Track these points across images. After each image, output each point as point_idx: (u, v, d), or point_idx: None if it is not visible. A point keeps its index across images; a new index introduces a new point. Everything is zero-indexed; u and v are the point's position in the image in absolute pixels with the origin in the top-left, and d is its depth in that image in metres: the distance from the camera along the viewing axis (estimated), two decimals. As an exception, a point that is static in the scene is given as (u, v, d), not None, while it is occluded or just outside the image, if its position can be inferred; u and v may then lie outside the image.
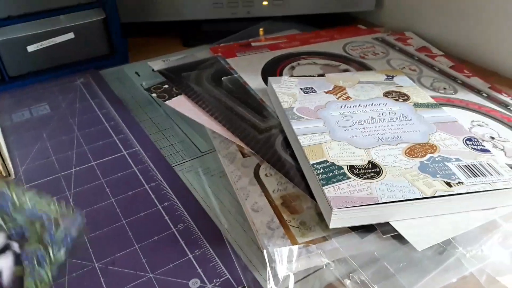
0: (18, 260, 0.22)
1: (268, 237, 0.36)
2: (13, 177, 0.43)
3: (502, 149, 0.45)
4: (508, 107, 0.52)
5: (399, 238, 0.35)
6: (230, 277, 0.34)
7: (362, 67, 0.61)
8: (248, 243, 0.37)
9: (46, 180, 0.43)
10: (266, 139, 0.47)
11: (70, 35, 0.63)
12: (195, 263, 0.35)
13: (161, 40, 0.77)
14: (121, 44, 0.67)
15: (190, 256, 0.36)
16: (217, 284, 0.34)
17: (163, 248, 0.37)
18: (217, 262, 0.35)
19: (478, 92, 0.55)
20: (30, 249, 0.22)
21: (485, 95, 0.54)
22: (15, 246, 0.22)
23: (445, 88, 0.56)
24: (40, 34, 0.60)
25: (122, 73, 0.65)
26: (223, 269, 0.35)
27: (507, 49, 0.62)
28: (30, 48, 0.60)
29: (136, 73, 0.65)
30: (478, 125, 0.48)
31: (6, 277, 0.21)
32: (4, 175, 0.42)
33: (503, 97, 0.54)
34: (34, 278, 0.22)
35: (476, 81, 0.58)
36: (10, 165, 0.43)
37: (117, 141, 0.49)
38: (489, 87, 0.56)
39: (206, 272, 0.35)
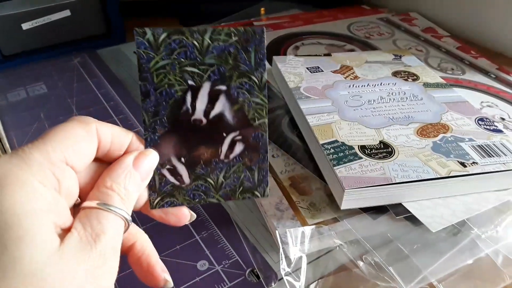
0: (231, 98, 0.24)
1: (277, 219, 0.35)
2: (11, 157, 0.41)
3: (512, 130, 0.44)
4: (517, 88, 0.51)
5: (411, 219, 0.34)
6: (239, 259, 0.33)
7: (368, 47, 0.60)
8: (255, 225, 0.36)
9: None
10: (272, 120, 0.45)
11: (66, 13, 0.60)
12: (203, 245, 0.34)
13: (159, 20, 0.75)
14: (118, 23, 0.65)
15: (197, 237, 0.35)
16: (226, 265, 0.33)
17: (169, 230, 0.35)
18: (225, 244, 0.34)
19: (486, 73, 0.54)
20: (236, 84, 0.24)
21: (493, 76, 0.53)
22: (223, 88, 0.24)
23: (452, 69, 0.55)
24: (35, 11, 0.58)
25: (119, 52, 0.63)
26: (231, 251, 0.34)
27: (514, 30, 0.61)
28: (25, 26, 0.58)
29: (135, 52, 0.63)
30: (487, 106, 0.47)
31: (229, 116, 0.24)
32: (1, 155, 0.41)
33: (512, 78, 0.53)
34: (252, 106, 0.24)
35: (483, 62, 0.57)
36: (7, 145, 0.41)
37: (118, 122, 0.48)
38: (497, 68, 0.55)
39: (214, 253, 0.34)
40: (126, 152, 0.24)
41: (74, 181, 0.21)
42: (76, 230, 0.20)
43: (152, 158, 0.24)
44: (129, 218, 0.22)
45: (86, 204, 0.21)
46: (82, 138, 0.22)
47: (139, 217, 0.36)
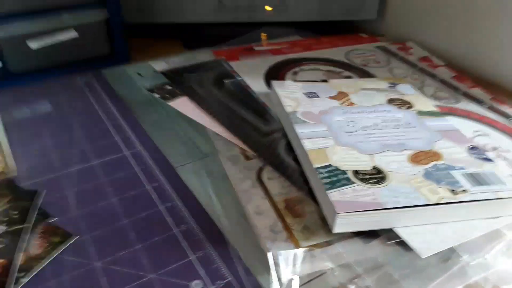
0: None
1: (271, 240, 0.35)
2: (15, 174, 0.42)
3: (504, 160, 0.45)
4: (510, 119, 0.52)
5: (403, 244, 0.35)
6: (232, 280, 0.34)
7: (364, 74, 0.61)
8: (250, 246, 0.37)
9: (47, 178, 0.43)
10: (269, 143, 0.47)
11: (73, 34, 0.62)
12: (197, 265, 0.35)
13: (163, 42, 0.77)
14: (122, 44, 0.67)
15: (192, 257, 0.35)
16: (219, 286, 0.33)
17: (165, 249, 0.36)
18: (220, 265, 0.35)
19: (480, 102, 0.56)
20: None
21: (487, 106, 0.55)
22: None
23: (447, 98, 0.56)
24: (43, 32, 0.60)
25: (123, 73, 0.65)
26: (225, 271, 0.34)
27: (508, 61, 0.62)
28: (33, 46, 0.60)
29: (138, 73, 0.64)
30: (480, 135, 0.48)
31: None
32: (6, 172, 0.42)
33: (505, 108, 0.54)
34: None
35: (478, 92, 0.58)
36: (13, 162, 0.42)
37: (119, 141, 0.49)
38: (491, 98, 0.57)
39: (208, 273, 0.34)
40: None
41: None
42: None
43: None
44: None
45: None
46: None
47: (138, 238, 0.37)
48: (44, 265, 0.34)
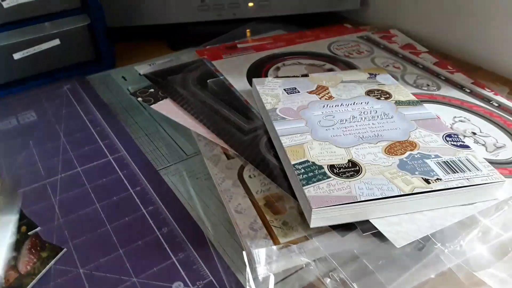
0: None
1: (251, 238, 0.36)
2: (-2, 185, 0.43)
3: (483, 144, 0.45)
4: (491, 102, 0.52)
5: (379, 235, 0.35)
6: (213, 279, 0.34)
7: (347, 66, 0.61)
8: (231, 245, 0.37)
9: (32, 187, 0.44)
10: (251, 141, 0.47)
11: (56, 42, 0.63)
12: (179, 266, 0.36)
13: (148, 44, 0.78)
14: (107, 49, 0.68)
15: (174, 259, 0.36)
16: (200, 286, 0.34)
17: (147, 252, 0.37)
18: (200, 265, 0.36)
19: (461, 87, 0.56)
20: None
21: (468, 91, 0.55)
22: None
23: (428, 85, 0.56)
24: (26, 42, 0.60)
25: (108, 78, 0.65)
26: (206, 272, 0.35)
27: (491, 43, 0.62)
28: (16, 56, 0.61)
29: (123, 77, 0.65)
30: (460, 120, 0.49)
31: None
32: (-11, 183, 0.43)
33: (486, 92, 0.54)
34: None
35: (459, 77, 0.58)
36: (-5, 174, 0.43)
37: (103, 146, 0.49)
38: (472, 83, 0.57)
39: (189, 274, 0.35)
40: None
41: None
42: None
43: None
44: None
45: None
46: None
47: (121, 243, 0.38)
48: (35, 281, 0.34)
